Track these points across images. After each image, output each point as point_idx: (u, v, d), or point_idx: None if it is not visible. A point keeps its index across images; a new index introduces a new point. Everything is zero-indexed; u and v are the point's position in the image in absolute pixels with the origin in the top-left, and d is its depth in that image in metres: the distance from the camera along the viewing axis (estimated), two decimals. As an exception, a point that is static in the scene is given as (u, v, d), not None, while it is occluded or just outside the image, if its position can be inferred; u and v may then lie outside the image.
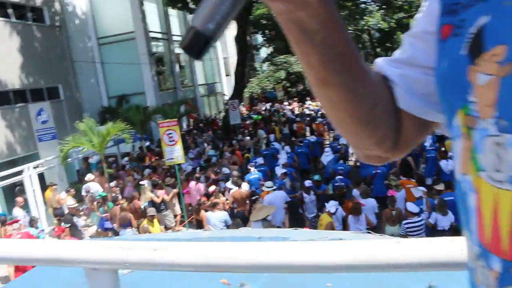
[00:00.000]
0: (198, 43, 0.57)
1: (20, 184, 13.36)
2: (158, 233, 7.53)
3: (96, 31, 23.15)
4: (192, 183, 12.48)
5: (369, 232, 4.08)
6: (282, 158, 13.65)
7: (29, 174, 13.28)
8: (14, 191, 13.66)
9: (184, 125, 23.90)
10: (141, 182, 12.75)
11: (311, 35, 0.60)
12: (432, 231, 8.27)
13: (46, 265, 1.30)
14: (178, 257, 1.01)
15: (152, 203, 11.49)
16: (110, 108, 21.55)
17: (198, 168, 14.17)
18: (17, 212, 11.68)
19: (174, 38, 27.39)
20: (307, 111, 26.37)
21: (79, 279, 1.74)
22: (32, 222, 10.65)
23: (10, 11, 18.05)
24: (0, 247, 1.31)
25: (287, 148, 14.84)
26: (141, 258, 1.05)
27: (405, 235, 7.85)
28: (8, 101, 17.07)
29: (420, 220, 8.22)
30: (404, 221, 8.29)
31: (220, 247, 0.99)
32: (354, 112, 0.69)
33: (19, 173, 13.31)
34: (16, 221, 10.23)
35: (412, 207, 8.34)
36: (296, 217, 10.56)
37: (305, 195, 10.70)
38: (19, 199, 12.20)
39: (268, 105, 32.77)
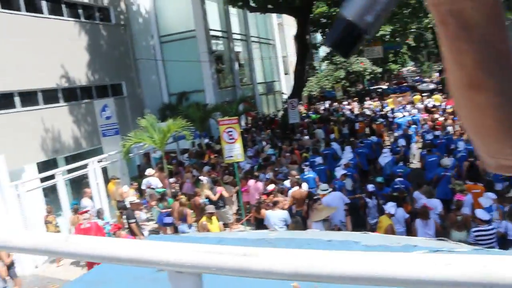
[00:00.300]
0: (350, 38, 0.50)
1: (86, 177, 13.86)
2: (223, 232, 7.51)
3: (159, 29, 23.70)
4: (251, 182, 12.46)
5: (442, 239, 3.80)
6: (345, 158, 13.35)
7: (93, 168, 13.76)
8: (80, 183, 14.23)
9: (242, 123, 23.99)
10: (200, 178, 12.88)
11: (471, 30, 0.52)
12: (503, 240, 7.79)
13: (131, 265, 1.25)
14: (270, 264, 0.97)
15: (209, 200, 11.58)
16: (170, 105, 21.96)
17: (256, 167, 14.14)
18: (86, 202, 12.14)
19: (234, 36, 27.59)
20: (367, 111, 25.76)
21: (148, 275, 1.66)
22: (99, 214, 11.02)
23: (80, 11, 18.80)
24: (86, 244, 1.32)
25: (349, 148, 14.49)
26: (229, 263, 1.03)
27: (474, 243, 7.41)
28: (75, 97, 17.80)
29: (492, 229, 7.75)
30: (474, 229, 7.86)
31: (316, 256, 0.94)
32: (504, 119, 0.60)
33: (84, 166, 13.81)
34: (87, 211, 10.66)
35: (482, 214, 7.89)
36: (357, 219, 10.31)
37: (367, 199, 10.41)
38: (88, 190, 12.68)
39: (326, 104, 32.39)
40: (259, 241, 3.40)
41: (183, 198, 11.46)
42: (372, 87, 39.24)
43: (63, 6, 17.96)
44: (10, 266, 9.17)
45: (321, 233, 5.32)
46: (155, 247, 1.20)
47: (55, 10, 17.50)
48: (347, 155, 13.79)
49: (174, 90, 23.35)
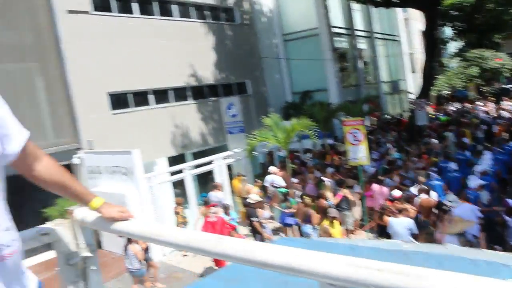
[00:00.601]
0: None
1: (211, 172, 14.34)
2: (354, 240, 7.16)
3: (282, 28, 23.83)
4: (376, 186, 11.91)
5: None
6: (483, 165, 12.18)
7: (219, 164, 14.17)
8: (206, 178, 14.76)
9: (367, 124, 23.15)
10: (323, 179, 12.62)
11: None
12: None
13: (282, 272, 1.25)
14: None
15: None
16: (294, 104, 21.96)
17: (381, 170, 13.51)
18: (215, 195, 12.51)
19: (357, 33, 26.82)
20: (505, 113, 23.29)
21: (280, 276, 1.53)
22: (226, 209, 11.27)
23: (206, 13, 19.56)
24: (238, 247, 1.33)
25: (489, 154, 13.19)
26: (391, 283, 0.97)
27: None
28: (202, 95, 18.57)
29: None
30: None
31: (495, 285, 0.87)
32: None
33: (210, 162, 14.30)
34: (215, 205, 10.98)
35: None
36: (493, 235, 9.22)
37: (507, 218, 9.24)
38: (219, 184, 13.07)
39: (457, 105, 30.02)
40: (393, 252, 3.24)
41: (307, 199, 11.31)
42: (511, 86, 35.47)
43: (192, 8, 18.80)
44: (146, 250, 9.74)
45: (461, 250, 4.77)
46: (309, 256, 1.17)
47: (184, 13, 18.42)
48: (486, 161, 12.55)
49: (298, 88, 23.32)
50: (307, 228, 10.69)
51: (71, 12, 13.79)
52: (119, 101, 15.19)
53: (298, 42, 23.35)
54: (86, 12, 14.39)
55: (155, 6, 17.20)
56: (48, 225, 1.92)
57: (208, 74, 18.80)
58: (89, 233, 1.96)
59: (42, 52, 13.40)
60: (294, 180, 13.17)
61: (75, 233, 1.94)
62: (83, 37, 13.92)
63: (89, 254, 1.96)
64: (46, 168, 1.65)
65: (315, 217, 10.70)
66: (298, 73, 23.24)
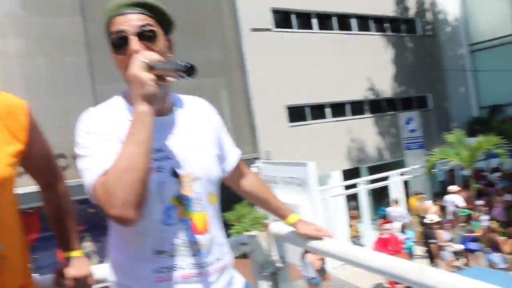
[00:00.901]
0: None
1: (385, 188, 14.03)
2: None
3: (469, 37, 22.10)
4: None
5: None
6: None
7: (395, 180, 13.80)
8: (381, 194, 14.52)
9: None
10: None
11: None
12: None
13: None
14: None
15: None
16: (480, 119, 20.12)
17: None
18: (393, 211, 12.23)
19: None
20: None
21: None
22: (403, 227, 10.96)
23: (386, 25, 19.23)
24: (442, 279, 1.26)
25: None
26: None
27: None
28: (380, 109, 18.25)
29: None
30: None
31: None
32: None
33: (385, 178, 14.00)
34: (390, 222, 10.78)
35: None
36: None
37: None
38: (398, 199, 12.78)
39: None
40: None
41: (494, 224, 10.33)
42: None
43: (371, 21, 18.72)
44: (322, 261, 9.93)
45: None
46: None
47: (363, 26, 18.41)
48: None
49: (486, 102, 21.23)
50: (495, 257, 9.74)
51: (254, 30, 14.95)
52: (296, 113, 15.83)
53: (487, 52, 21.35)
54: (268, 30, 15.42)
55: (334, 21, 17.55)
56: (247, 235, 2.13)
57: (387, 88, 18.44)
58: (282, 246, 2.12)
59: (228, 67, 14.79)
60: (479, 202, 12.11)
61: (270, 245, 2.11)
62: (265, 52, 14.93)
63: (281, 266, 2.11)
64: (251, 184, 1.85)
65: (506, 245, 9.70)
66: (486, 86, 21.18)
